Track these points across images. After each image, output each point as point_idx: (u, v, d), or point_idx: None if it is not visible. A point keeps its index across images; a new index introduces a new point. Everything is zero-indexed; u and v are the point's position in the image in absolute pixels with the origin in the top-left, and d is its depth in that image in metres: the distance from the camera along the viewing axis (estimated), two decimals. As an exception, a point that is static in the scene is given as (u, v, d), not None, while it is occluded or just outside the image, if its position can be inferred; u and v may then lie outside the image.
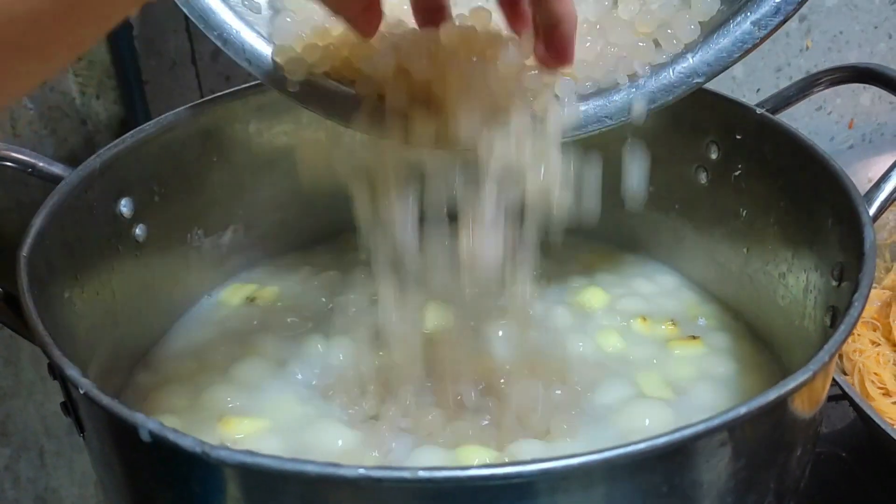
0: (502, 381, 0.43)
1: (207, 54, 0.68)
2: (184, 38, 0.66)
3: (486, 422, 0.42)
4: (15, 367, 0.72)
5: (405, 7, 0.42)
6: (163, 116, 0.49)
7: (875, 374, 0.54)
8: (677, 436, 0.26)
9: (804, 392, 0.29)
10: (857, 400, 0.48)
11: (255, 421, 0.42)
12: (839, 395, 0.51)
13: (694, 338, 0.50)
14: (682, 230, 0.55)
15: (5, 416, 0.71)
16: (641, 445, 0.25)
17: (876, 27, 0.74)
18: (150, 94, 0.68)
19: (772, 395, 0.27)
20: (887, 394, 0.54)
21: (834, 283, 0.39)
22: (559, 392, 0.44)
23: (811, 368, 0.28)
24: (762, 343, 0.49)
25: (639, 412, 0.42)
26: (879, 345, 0.56)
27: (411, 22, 0.42)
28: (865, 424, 0.48)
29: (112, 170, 0.46)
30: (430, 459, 0.38)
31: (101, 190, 0.45)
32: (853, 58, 0.74)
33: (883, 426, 0.45)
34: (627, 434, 0.41)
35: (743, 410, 0.27)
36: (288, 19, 0.43)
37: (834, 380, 0.49)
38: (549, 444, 0.39)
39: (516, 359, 0.44)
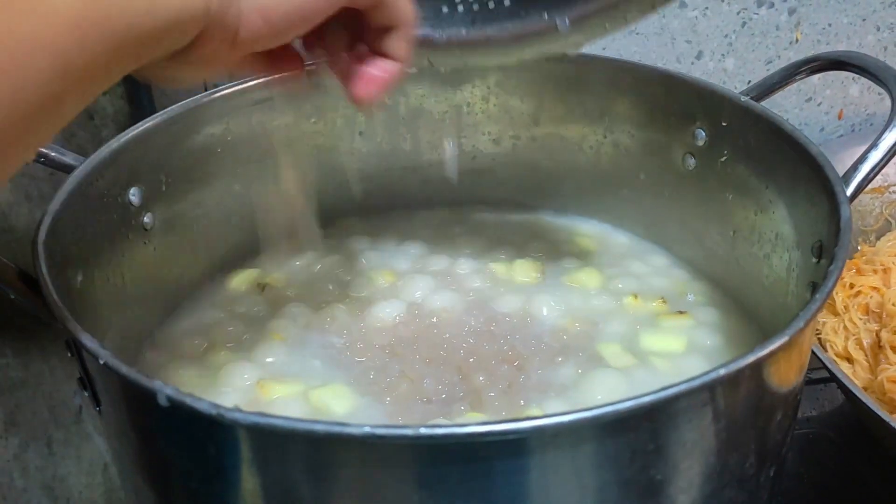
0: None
1: (210, 49, 0.69)
2: (188, 33, 0.68)
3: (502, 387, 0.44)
4: (24, 358, 0.73)
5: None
6: (169, 108, 0.51)
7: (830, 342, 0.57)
8: (661, 395, 0.27)
9: (780, 356, 0.31)
10: (844, 381, 0.50)
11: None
12: (827, 378, 0.53)
13: (682, 312, 0.52)
14: (672, 214, 0.57)
15: (14, 407, 0.72)
16: (628, 404, 0.27)
17: (864, 19, 0.75)
18: (155, 89, 0.69)
19: (749, 357, 0.29)
20: (848, 360, 0.57)
21: (814, 261, 0.41)
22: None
23: (787, 333, 0.30)
24: (749, 318, 0.51)
25: (627, 380, 0.44)
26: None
27: None
28: (853, 405, 0.50)
29: (121, 159, 0.47)
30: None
31: (112, 179, 0.47)
32: (842, 50, 0.76)
33: (869, 405, 0.47)
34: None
35: (722, 372, 0.29)
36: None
37: (822, 362, 0.51)
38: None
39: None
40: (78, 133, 0.71)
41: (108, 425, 0.37)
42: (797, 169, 0.44)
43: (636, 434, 0.28)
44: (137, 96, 0.69)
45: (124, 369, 0.30)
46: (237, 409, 0.27)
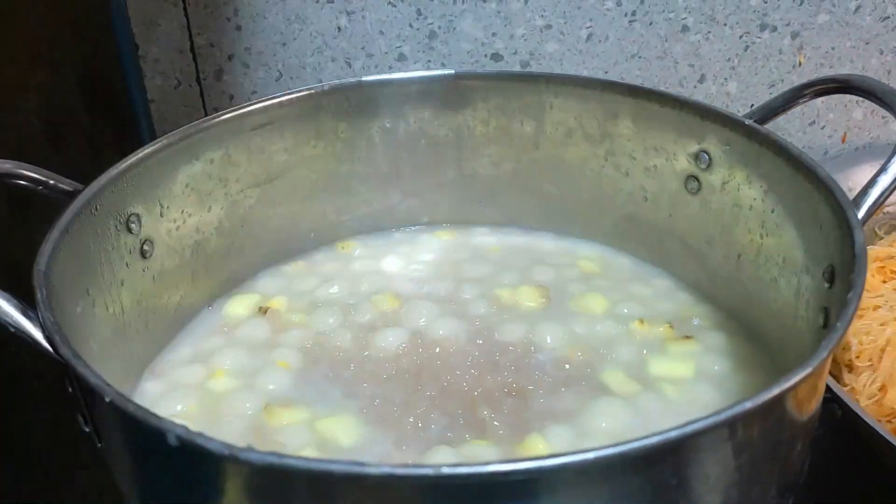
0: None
1: (212, 74, 0.69)
2: (189, 58, 0.68)
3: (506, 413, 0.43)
4: (20, 384, 0.72)
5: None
6: (168, 134, 0.50)
7: None
8: (688, 429, 0.27)
9: (804, 387, 0.31)
10: (846, 401, 0.49)
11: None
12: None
13: (688, 337, 0.51)
14: (674, 236, 0.57)
15: (9, 433, 0.71)
16: (654, 440, 0.26)
17: (867, 43, 0.76)
18: (155, 112, 0.69)
19: (775, 390, 0.28)
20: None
21: (826, 285, 0.41)
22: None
23: (812, 364, 0.30)
24: (756, 342, 0.51)
25: (638, 408, 0.44)
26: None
27: None
28: (842, 410, 0.49)
29: (120, 186, 0.47)
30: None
31: (111, 206, 0.46)
32: (847, 73, 0.77)
33: (876, 428, 0.46)
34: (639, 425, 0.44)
35: (748, 406, 0.28)
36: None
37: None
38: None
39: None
40: (76, 159, 0.70)
41: (113, 460, 0.36)
42: (805, 193, 0.44)
43: (660, 469, 0.28)
44: (137, 121, 0.69)
45: (132, 408, 0.29)
46: (251, 449, 0.26)
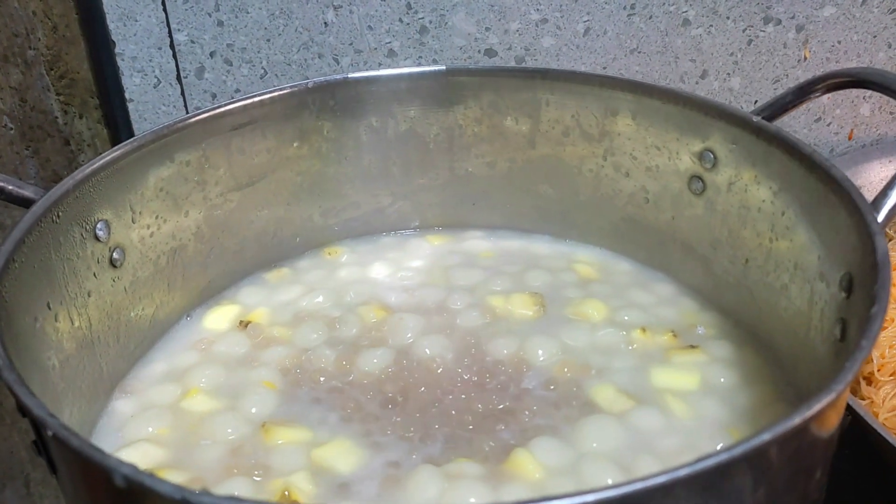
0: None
1: (193, 72, 0.66)
2: (168, 55, 0.65)
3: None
4: (-3, 395, 0.69)
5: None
6: (139, 136, 0.47)
7: None
8: (704, 464, 0.24)
9: (830, 407, 0.28)
10: (861, 413, 0.46)
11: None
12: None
13: (693, 347, 0.48)
14: (677, 240, 0.54)
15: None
16: (683, 472, 0.23)
17: (875, 36, 0.73)
18: (134, 112, 0.66)
19: (796, 419, 0.25)
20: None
21: (843, 295, 0.38)
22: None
23: (836, 387, 0.27)
24: (765, 352, 0.48)
25: (638, 426, 0.41)
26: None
27: None
28: (851, 417, 0.47)
29: (87, 191, 0.44)
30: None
31: (76, 212, 0.43)
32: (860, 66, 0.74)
33: (881, 432, 0.44)
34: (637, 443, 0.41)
35: (767, 437, 0.25)
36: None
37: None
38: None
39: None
40: (53, 159, 0.67)
41: (66, 494, 0.33)
42: (819, 194, 0.41)
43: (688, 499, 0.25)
44: (114, 121, 0.66)
45: (75, 442, 0.26)
46: (206, 493, 0.23)
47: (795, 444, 0.27)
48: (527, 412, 0.43)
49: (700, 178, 0.51)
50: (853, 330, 0.36)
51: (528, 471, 0.39)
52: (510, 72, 0.56)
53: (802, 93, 0.47)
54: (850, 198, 0.38)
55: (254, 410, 0.44)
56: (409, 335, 0.49)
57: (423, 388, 0.44)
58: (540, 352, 0.47)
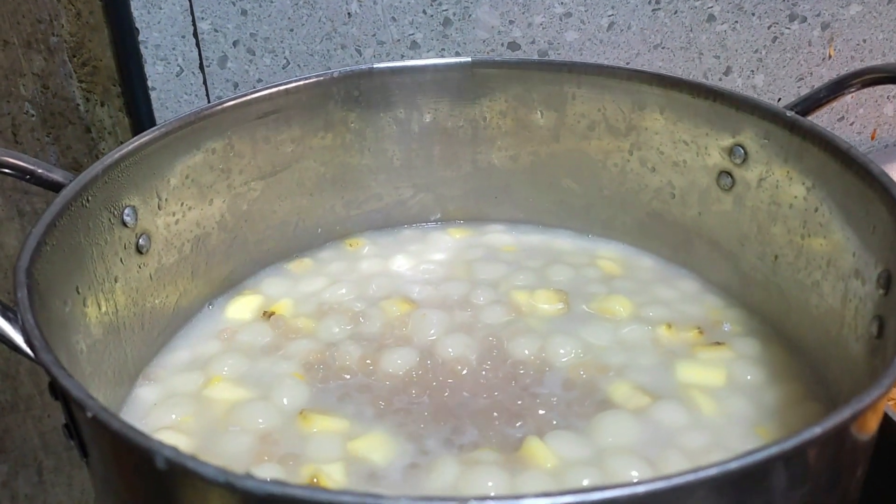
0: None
1: (216, 60, 0.66)
2: (192, 43, 0.64)
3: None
4: (13, 381, 0.69)
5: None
6: (167, 122, 0.47)
7: None
8: (747, 460, 0.24)
9: (870, 409, 0.27)
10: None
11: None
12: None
13: (719, 343, 0.48)
14: (703, 235, 0.53)
15: (3, 432, 0.68)
16: (713, 471, 0.23)
17: (897, 34, 0.73)
18: (156, 101, 0.66)
19: (846, 412, 0.25)
20: None
21: (881, 292, 0.38)
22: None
23: (884, 384, 0.26)
24: (792, 349, 0.47)
25: (666, 419, 0.41)
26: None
27: None
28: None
29: (115, 177, 0.43)
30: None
31: (104, 198, 0.43)
32: None
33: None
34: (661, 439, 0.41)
35: (816, 432, 0.25)
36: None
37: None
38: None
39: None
40: (74, 146, 0.67)
41: (96, 477, 0.32)
42: (855, 190, 0.41)
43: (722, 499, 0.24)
44: (136, 109, 0.65)
45: (116, 424, 0.26)
46: (250, 477, 0.23)
47: (845, 436, 0.27)
48: (547, 410, 0.43)
49: (729, 173, 0.50)
50: (891, 327, 0.35)
51: (542, 460, 0.39)
52: (538, 65, 0.56)
53: (838, 88, 0.47)
54: (889, 193, 0.37)
55: (285, 401, 0.43)
56: (433, 332, 0.48)
57: (447, 392, 0.44)
58: (563, 350, 0.47)
